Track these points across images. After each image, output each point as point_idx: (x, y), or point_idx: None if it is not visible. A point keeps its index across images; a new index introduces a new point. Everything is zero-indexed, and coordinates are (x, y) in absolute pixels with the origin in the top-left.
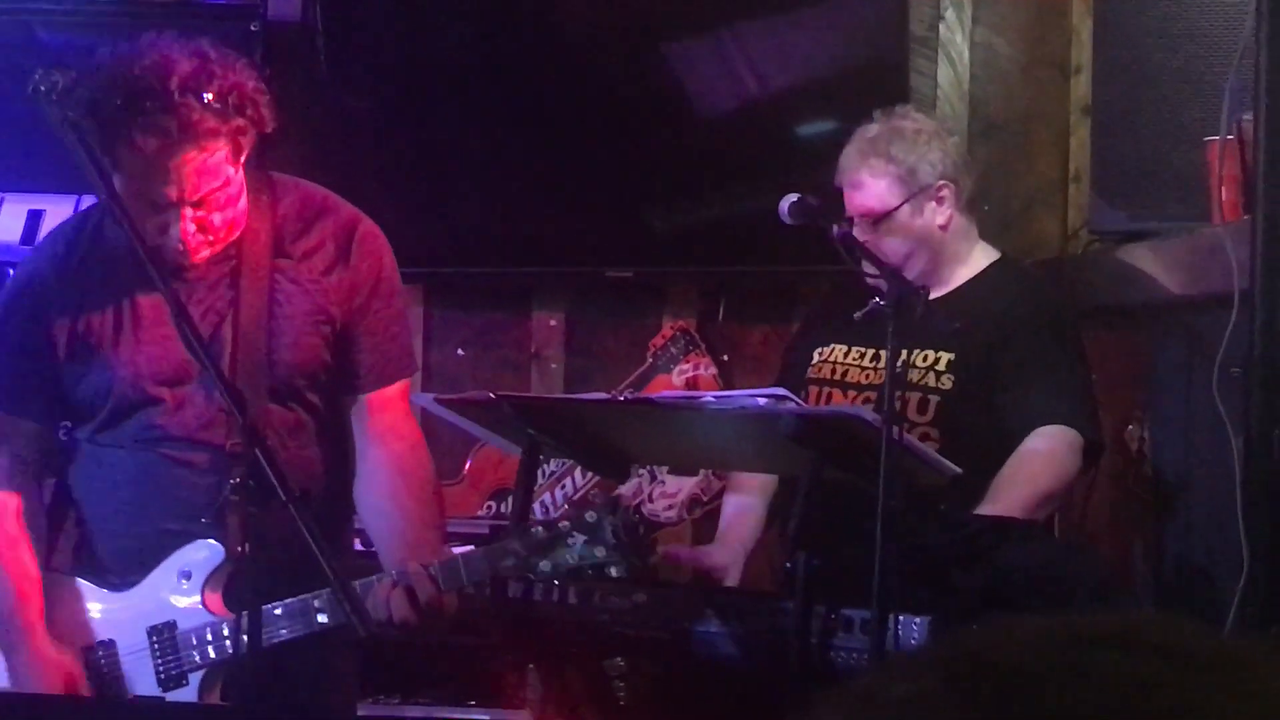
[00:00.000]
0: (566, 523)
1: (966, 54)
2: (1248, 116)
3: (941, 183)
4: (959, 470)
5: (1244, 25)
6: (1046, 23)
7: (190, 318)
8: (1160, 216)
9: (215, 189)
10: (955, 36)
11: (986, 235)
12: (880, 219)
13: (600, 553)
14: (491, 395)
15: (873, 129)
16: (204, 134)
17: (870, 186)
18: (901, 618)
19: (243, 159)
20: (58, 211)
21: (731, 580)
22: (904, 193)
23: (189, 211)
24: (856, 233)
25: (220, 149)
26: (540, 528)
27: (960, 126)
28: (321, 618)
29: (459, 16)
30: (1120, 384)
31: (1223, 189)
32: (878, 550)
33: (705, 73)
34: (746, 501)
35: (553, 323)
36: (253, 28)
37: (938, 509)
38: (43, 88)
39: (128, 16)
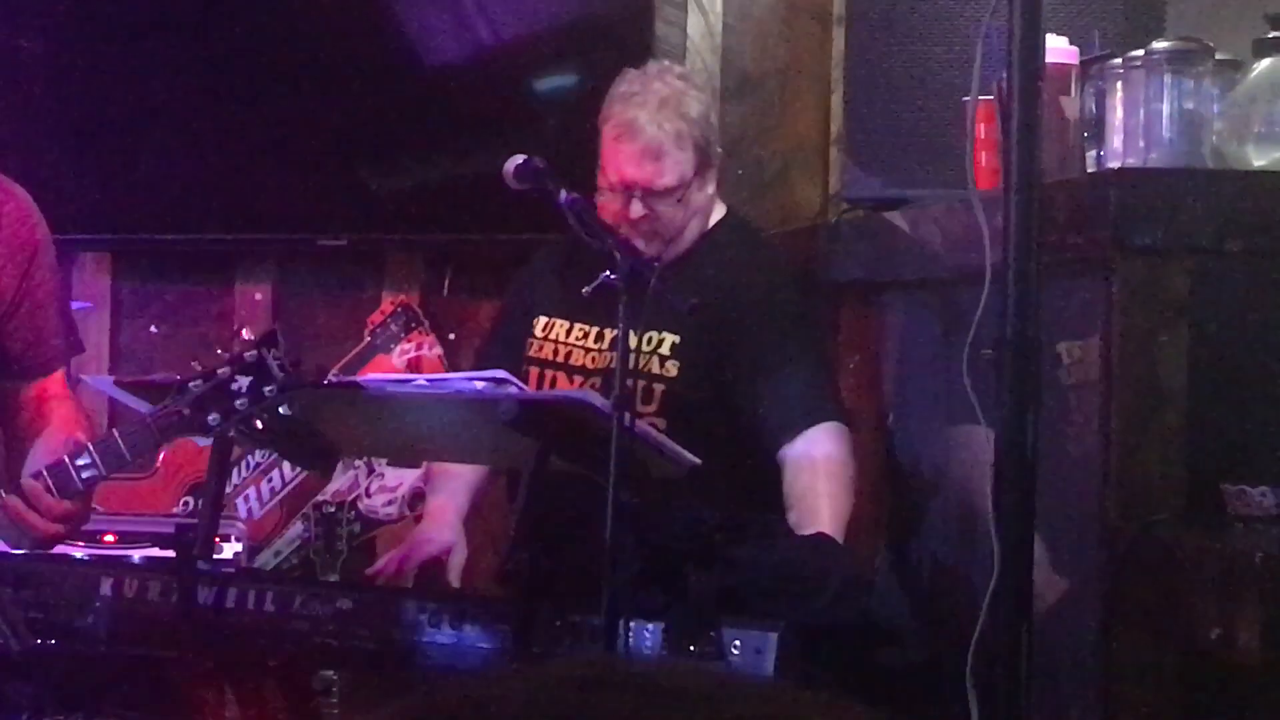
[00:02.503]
0: (226, 368)
1: (719, 2)
2: (1006, 75)
3: (719, 151)
4: (697, 461)
5: None
6: None
7: None
8: (916, 184)
9: None
10: None
11: (739, 202)
12: (672, 193)
13: (270, 390)
14: (178, 378)
15: (660, 88)
16: None
17: (672, 160)
18: (634, 624)
19: None
20: None
21: (460, 553)
22: (698, 163)
23: None
24: (633, 208)
25: None
26: (199, 380)
27: (712, 83)
28: None
29: None
30: (879, 366)
31: (980, 154)
32: (608, 549)
33: (431, 17)
34: (450, 485)
35: (258, 296)
36: None
37: (674, 504)
38: None
39: None
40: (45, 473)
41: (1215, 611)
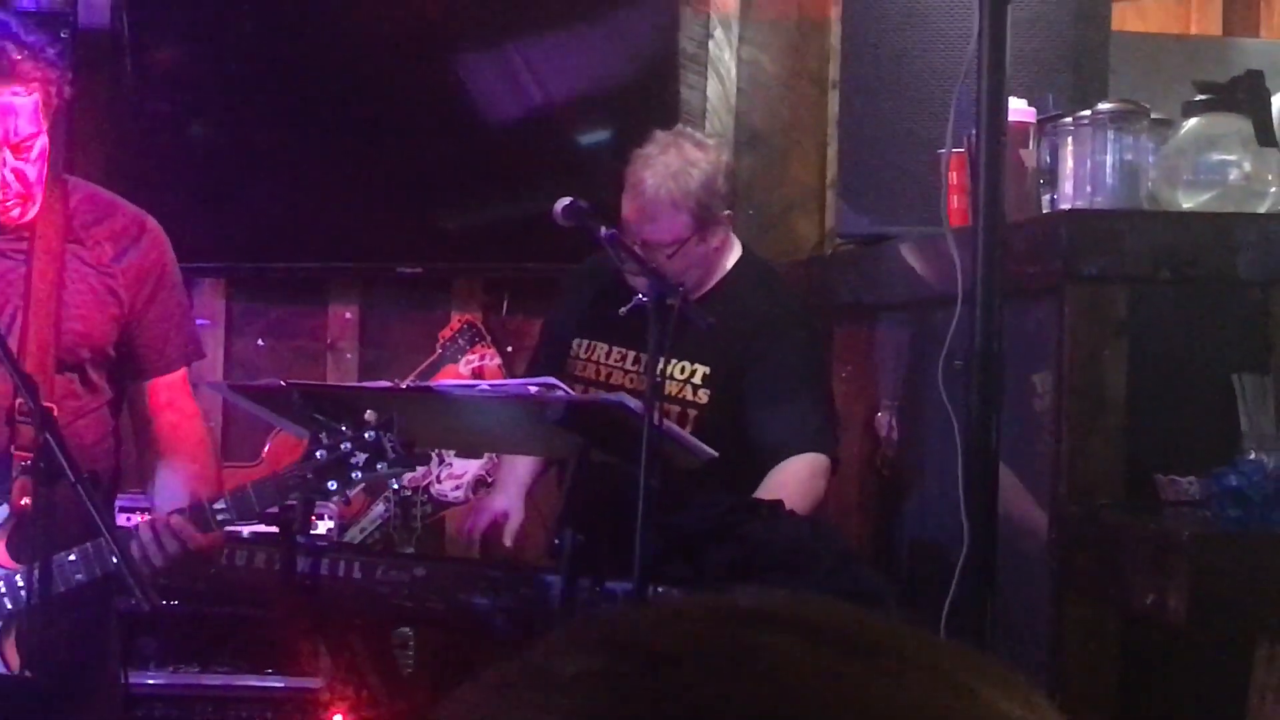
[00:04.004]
0: (348, 444)
1: (733, 70)
2: (974, 130)
3: (726, 213)
4: (714, 453)
5: (970, 46)
6: (807, 42)
7: None
8: (899, 222)
9: (31, 136)
10: (723, 54)
11: (750, 238)
12: (665, 247)
13: (382, 467)
14: (281, 383)
15: (670, 159)
16: (24, 74)
17: (666, 221)
18: (660, 590)
19: (46, 124)
20: None
21: (516, 519)
22: (695, 226)
23: (8, 156)
24: (637, 251)
25: (34, 93)
26: (324, 451)
27: (727, 137)
28: (115, 558)
29: (261, 25)
30: (867, 375)
31: (952, 197)
32: (638, 527)
33: (491, 82)
34: (514, 466)
35: (347, 315)
36: (63, 34)
37: (695, 490)
38: None
39: None
40: (189, 510)
41: (1150, 581)
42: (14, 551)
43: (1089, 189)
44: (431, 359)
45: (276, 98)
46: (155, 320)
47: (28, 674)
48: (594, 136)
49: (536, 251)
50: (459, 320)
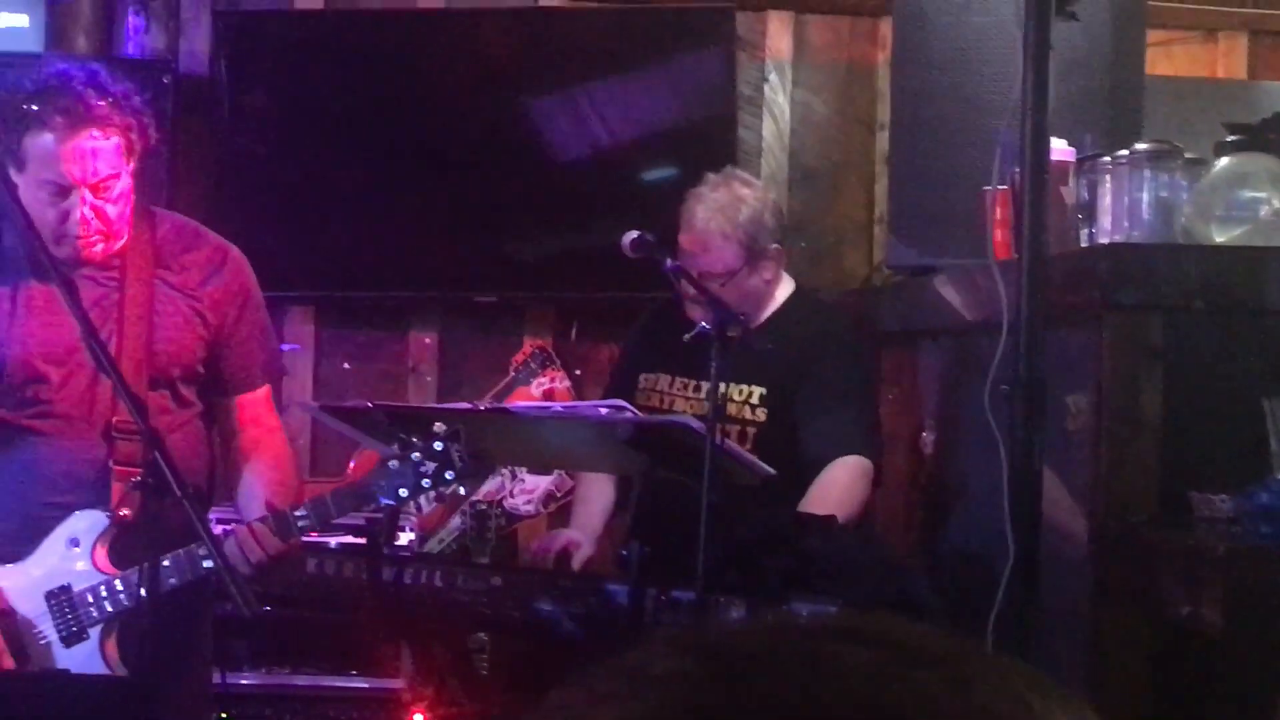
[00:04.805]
0: (418, 454)
1: (787, 111)
2: (1018, 169)
3: (774, 246)
4: (772, 471)
5: (1014, 90)
6: (857, 85)
7: (82, 304)
8: (945, 254)
9: (110, 177)
10: (778, 96)
11: (802, 269)
12: (717, 277)
13: (450, 475)
14: (368, 404)
15: (720, 195)
16: (102, 119)
17: (717, 251)
18: (721, 599)
19: (131, 166)
20: None
21: (586, 550)
22: (745, 258)
23: (88, 195)
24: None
25: (115, 138)
26: (396, 460)
27: (781, 174)
28: (206, 563)
29: (347, 71)
30: (913, 397)
31: (997, 231)
32: (701, 540)
33: (561, 124)
34: (594, 481)
35: (427, 341)
36: (165, 80)
37: (754, 505)
38: None
39: None
40: (271, 518)
41: (1185, 594)
42: (114, 558)
43: (1126, 224)
44: (505, 381)
45: (362, 138)
46: (240, 341)
47: (127, 674)
48: (657, 174)
49: (604, 281)
50: (531, 345)
